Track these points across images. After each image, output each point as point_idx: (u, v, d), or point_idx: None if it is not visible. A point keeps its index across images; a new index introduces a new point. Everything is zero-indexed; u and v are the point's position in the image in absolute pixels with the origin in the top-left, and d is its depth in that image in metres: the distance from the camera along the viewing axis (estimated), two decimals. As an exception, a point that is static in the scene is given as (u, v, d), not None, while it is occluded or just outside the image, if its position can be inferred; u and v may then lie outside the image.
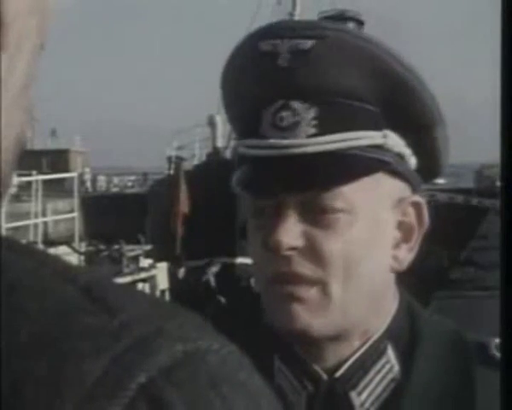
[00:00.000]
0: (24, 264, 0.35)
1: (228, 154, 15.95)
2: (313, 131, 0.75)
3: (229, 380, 0.33)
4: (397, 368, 0.77)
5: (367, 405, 0.77)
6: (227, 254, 10.74)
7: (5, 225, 9.28)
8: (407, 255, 0.78)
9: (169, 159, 17.31)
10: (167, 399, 0.31)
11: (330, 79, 0.75)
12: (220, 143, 16.66)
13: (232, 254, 10.67)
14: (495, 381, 0.73)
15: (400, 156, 0.77)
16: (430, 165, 0.80)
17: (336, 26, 0.77)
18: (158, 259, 9.97)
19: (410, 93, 0.75)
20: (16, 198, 12.54)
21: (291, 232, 0.75)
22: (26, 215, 11.70)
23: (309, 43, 0.75)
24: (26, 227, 11.17)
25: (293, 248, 0.75)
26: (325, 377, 0.78)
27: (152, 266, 9.66)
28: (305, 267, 0.75)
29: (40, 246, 9.47)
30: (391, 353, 0.77)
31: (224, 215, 10.61)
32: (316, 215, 0.75)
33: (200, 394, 0.32)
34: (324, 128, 0.75)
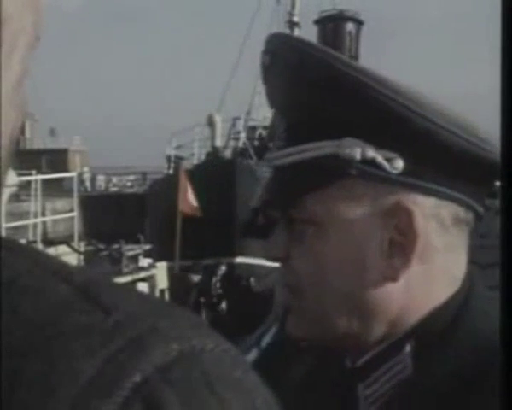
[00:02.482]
0: (19, 263, 0.35)
1: (227, 153, 15.95)
2: (282, 143, 0.77)
3: (223, 379, 0.33)
4: (410, 369, 0.74)
5: (370, 400, 0.76)
6: (227, 253, 10.73)
7: (4, 225, 9.26)
8: (401, 266, 0.74)
9: (168, 158, 17.29)
10: (162, 398, 0.31)
11: (288, 92, 0.76)
12: (219, 142, 16.64)
13: (232, 254, 10.66)
14: None
15: (369, 163, 0.72)
16: (438, 159, 0.73)
17: (288, 39, 0.77)
18: (157, 258, 9.96)
19: (368, 97, 0.71)
20: (15, 198, 12.52)
21: (274, 244, 0.78)
22: (26, 215, 11.68)
23: (267, 59, 0.77)
24: (25, 227, 11.14)
25: (279, 259, 0.78)
26: (349, 364, 0.79)
27: (151, 266, 9.65)
28: (288, 278, 0.78)
29: (39, 245, 9.45)
30: (408, 353, 0.74)
31: (223, 215, 10.60)
32: (291, 227, 0.77)
33: (195, 392, 0.31)
34: (289, 141, 0.76)
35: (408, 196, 0.73)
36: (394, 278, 0.74)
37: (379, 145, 0.73)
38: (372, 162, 0.72)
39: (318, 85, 0.73)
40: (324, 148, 0.73)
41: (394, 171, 0.73)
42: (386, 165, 0.72)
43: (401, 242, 0.73)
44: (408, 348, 0.75)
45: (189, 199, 9.70)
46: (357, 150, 0.72)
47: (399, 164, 0.72)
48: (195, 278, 9.99)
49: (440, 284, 0.76)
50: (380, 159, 0.72)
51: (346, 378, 0.79)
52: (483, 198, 0.78)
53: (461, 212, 0.76)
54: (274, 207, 0.79)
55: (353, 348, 0.77)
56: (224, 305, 9.35)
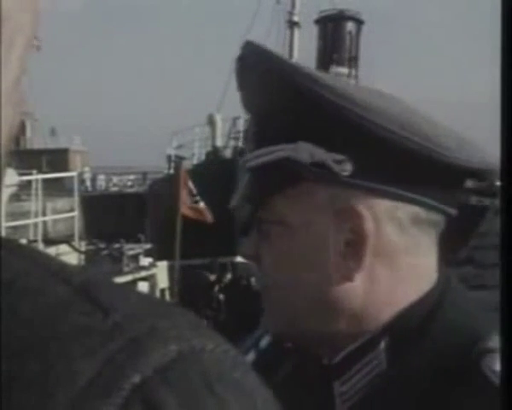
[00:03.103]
0: (19, 264, 0.35)
1: (227, 153, 15.96)
2: (252, 146, 0.82)
3: (223, 380, 0.33)
4: (384, 365, 0.76)
5: (346, 397, 0.78)
6: (227, 253, 10.73)
7: (5, 224, 9.26)
8: (355, 266, 0.76)
9: (168, 158, 17.32)
10: (161, 399, 0.31)
11: (252, 97, 0.82)
12: (219, 142, 16.65)
13: (232, 254, 10.67)
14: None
15: (320, 166, 0.75)
16: (383, 163, 0.75)
17: (252, 47, 0.81)
18: (158, 257, 9.97)
19: (318, 104, 0.74)
20: (16, 197, 12.52)
21: (247, 243, 0.83)
22: (26, 214, 11.68)
23: (238, 65, 0.82)
24: (26, 226, 11.14)
25: (251, 258, 0.83)
26: (326, 361, 0.81)
27: (152, 265, 9.66)
28: (260, 276, 0.83)
29: (40, 245, 9.45)
30: (383, 349, 0.77)
31: (223, 214, 10.58)
32: (260, 227, 0.81)
33: (195, 393, 0.31)
34: (257, 143, 0.81)
35: (360, 198, 0.75)
36: (349, 278, 0.76)
37: (330, 149, 0.75)
38: (322, 165, 0.75)
39: (277, 93, 0.78)
40: (281, 151, 0.77)
41: (343, 173, 0.75)
42: (334, 167, 0.75)
43: (354, 243, 0.76)
44: (382, 344, 0.77)
45: (191, 204, 9.58)
46: (308, 153, 0.75)
47: (348, 166, 0.75)
48: (212, 277, 10.02)
49: (407, 284, 0.78)
50: (329, 161, 0.75)
51: (323, 375, 0.81)
52: (449, 199, 0.79)
53: (421, 213, 0.77)
54: (247, 208, 0.83)
55: (327, 346, 0.80)
56: (223, 310, 9.37)
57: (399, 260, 0.77)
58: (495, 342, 0.74)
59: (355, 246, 0.75)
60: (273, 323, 0.83)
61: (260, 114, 0.81)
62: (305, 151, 0.75)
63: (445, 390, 0.72)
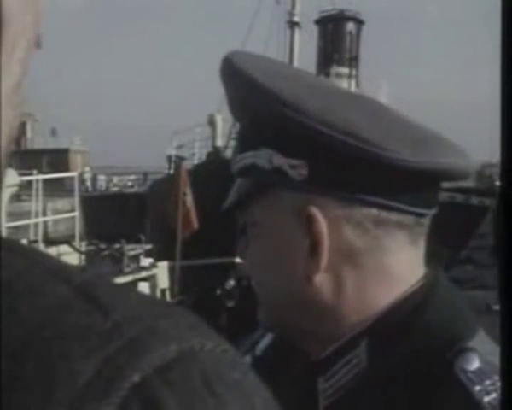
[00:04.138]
0: (19, 264, 0.35)
1: (228, 153, 15.96)
2: (238, 150, 0.87)
3: (222, 379, 0.33)
4: (365, 364, 0.78)
5: (329, 392, 0.80)
6: (227, 253, 10.73)
7: (5, 225, 9.26)
8: (314, 267, 0.78)
9: (169, 158, 17.33)
10: (160, 399, 0.30)
11: (230, 103, 0.87)
12: (220, 142, 16.66)
13: (232, 254, 10.67)
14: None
15: (278, 171, 0.78)
16: (334, 169, 0.77)
17: (225, 62, 0.84)
18: (158, 258, 9.96)
19: (275, 115, 0.77)
20: (16, 197, 12.51)
21: (239, 244, 0.88)
22: (27, 214, 11.67)
23: (220, 76, 0.86)
24: (27, 226, 11.12)
25: (244, 258, 0.88)
26: (314, 357, 0.83)
27: (153, 266, 9.65)
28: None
29: (41, 245, 9.45)
30: (363, 348, 0.78)
31: (224, 215, 10.55)
32: (244, 229, 0.85)
33: (194, 393, 0.31)
34: (239, 149, 0.86)
35: (315, 201, 0.78)
36: (312, 279, 0.79)
37: (287, 155, 0.78)
38: (280, 170, 0.79)
39: (241, 104, 0.84)
40: (248, 158, 0.82)
41: (298, 178, 0.78)
42: (290, 172, 0.78)
43: (313, 245, 0.78)
44: (363, 343, 0.78)
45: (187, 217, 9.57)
46: (267, 159, 0.79)
47: (303, 171, 0.77)
48: (231, 282, 10.00)
49: (377, 283, 0.79)
50: (285, 166, 0.78)
51: (309, 371, 0.84)
52: (419, 200, 0.79)
53: (383, 215, 0.78)
54: (236, 210, 0.87)
55: (313, 343, 0.82)
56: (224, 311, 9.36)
57: (364, 261, 0.78)
58: (475, 342, 0.75)
59: (314, 248, 0.78)
60: (262, 317, 0.87)
61: (239, 121, 0.87)
62: (265, 157, 0.79)
63: (421, 390, 0.73)
